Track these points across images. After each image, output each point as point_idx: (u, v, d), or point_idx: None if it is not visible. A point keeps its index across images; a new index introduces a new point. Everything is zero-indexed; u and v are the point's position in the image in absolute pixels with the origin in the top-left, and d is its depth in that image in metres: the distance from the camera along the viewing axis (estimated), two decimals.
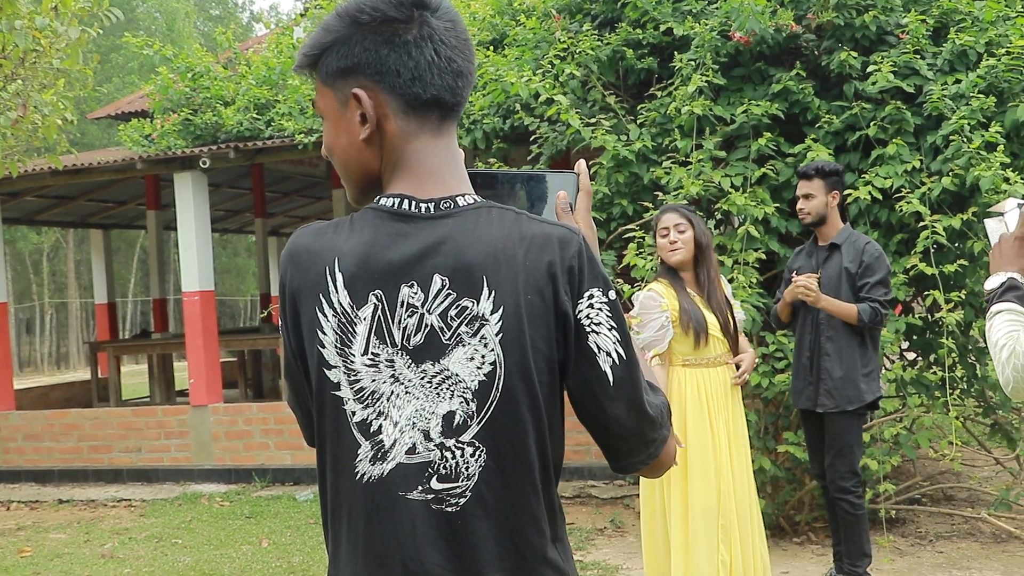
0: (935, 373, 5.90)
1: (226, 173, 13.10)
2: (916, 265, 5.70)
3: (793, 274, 5.02)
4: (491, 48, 7.73)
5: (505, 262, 1.37)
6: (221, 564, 6.54)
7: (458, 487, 1.36)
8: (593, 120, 6.48)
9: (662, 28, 6.58)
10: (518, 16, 7.69)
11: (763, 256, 5.86)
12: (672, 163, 6.13)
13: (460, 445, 1.36)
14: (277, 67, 9.93)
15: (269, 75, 10.33)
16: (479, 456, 1.36)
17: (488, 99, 7.18)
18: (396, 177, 1.45)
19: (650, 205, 6.12)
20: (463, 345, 1.37)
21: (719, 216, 6.29)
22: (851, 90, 6.20)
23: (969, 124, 5.70)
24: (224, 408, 9.80)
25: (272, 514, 7.99)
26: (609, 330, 1.39)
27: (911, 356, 6.79)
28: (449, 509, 1.36)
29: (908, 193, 5.75)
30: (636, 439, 1.44)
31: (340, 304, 1.39)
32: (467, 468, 1.36)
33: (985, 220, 2.69)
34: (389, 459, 1.37)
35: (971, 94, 5.81)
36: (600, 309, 1.39)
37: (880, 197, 5.76)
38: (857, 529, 4.92)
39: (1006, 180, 5.47)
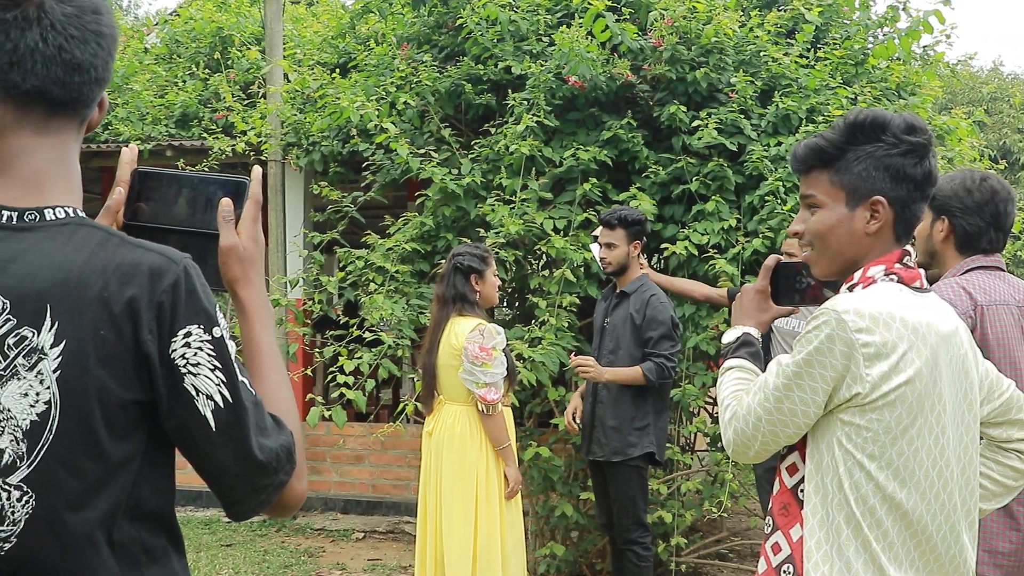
0: None
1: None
2: (722, 323, 5.73)
3: (572, 354, 5.21)
4: (336, 71, 7.60)
5: (76, 292, 1.23)
6: None
7: (4, 531, 1.23)
8: (423, 152, 6.39)
9: (501, 66, 6.55)
10: (368, 41, 7.57)
11: (577, 301, 5.81)
12: (497, 201, 6.08)
13: (7, 487, 1.23)
14: (120, 70, 9.51)
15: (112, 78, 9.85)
16: (27, 502, 1.23)
17: (326, 122, 7.04)
18: None
19: (468, 241, 6.05)
20: (18, 379, 1.23)
21: (544, 259, 6.25)
22: (679, 143, 6.25)
23: (784, 185, 5.79)
24: None
25: None
26: (212, 371, 1.28)
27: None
28: None
29: (722, 251, 5.80)
30: (244, 486, 1.33)
31: None
32: (13, 513, 1.23)
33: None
34: None
35: (790, 157, 5.90)
36: (199, 349, 1.27)
37: (696, 253, 5.79)
38: None
39: None
